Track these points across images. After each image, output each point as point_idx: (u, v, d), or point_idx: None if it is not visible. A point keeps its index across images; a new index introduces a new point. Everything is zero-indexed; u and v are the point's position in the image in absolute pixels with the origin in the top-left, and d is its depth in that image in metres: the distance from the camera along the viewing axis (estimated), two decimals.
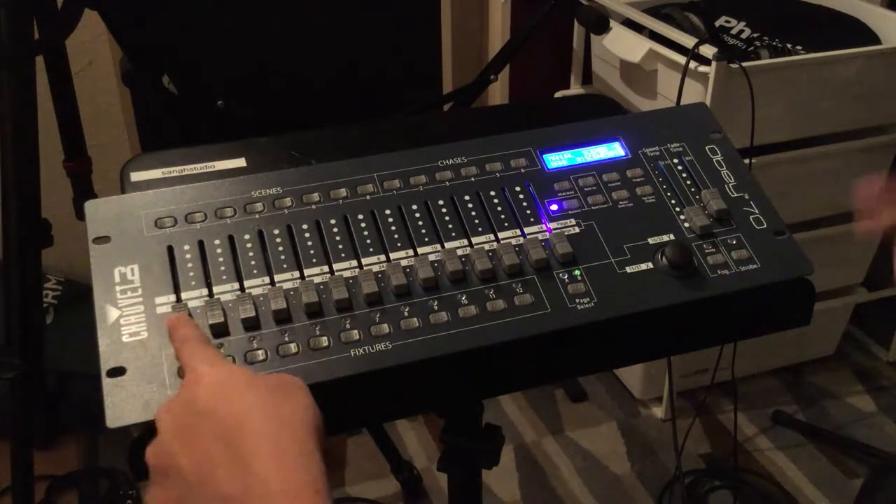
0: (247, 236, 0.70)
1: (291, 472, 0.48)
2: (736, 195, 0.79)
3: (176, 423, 0.52)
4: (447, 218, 0.74)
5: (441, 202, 0.75)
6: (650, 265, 0.73)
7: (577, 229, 0.75)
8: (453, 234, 0.73)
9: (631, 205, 0.77)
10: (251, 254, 0.69)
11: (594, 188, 0.78)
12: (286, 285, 0.68)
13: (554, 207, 0.76)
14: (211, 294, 0.67)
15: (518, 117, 0.95)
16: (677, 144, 0.82)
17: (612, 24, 1.76)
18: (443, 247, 0.72)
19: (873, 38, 1.74)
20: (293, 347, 0.65)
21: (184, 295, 0.66)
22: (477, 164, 0.78)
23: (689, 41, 1.56)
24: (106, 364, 0.62)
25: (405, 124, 1.00)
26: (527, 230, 0.74)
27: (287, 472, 0.48)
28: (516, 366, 0.73)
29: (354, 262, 0.70)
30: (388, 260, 0.71)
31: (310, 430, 0.51)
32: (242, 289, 0.67)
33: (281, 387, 0.54)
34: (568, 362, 0.76)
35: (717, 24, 1.78)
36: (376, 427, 1.71)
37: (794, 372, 2.12)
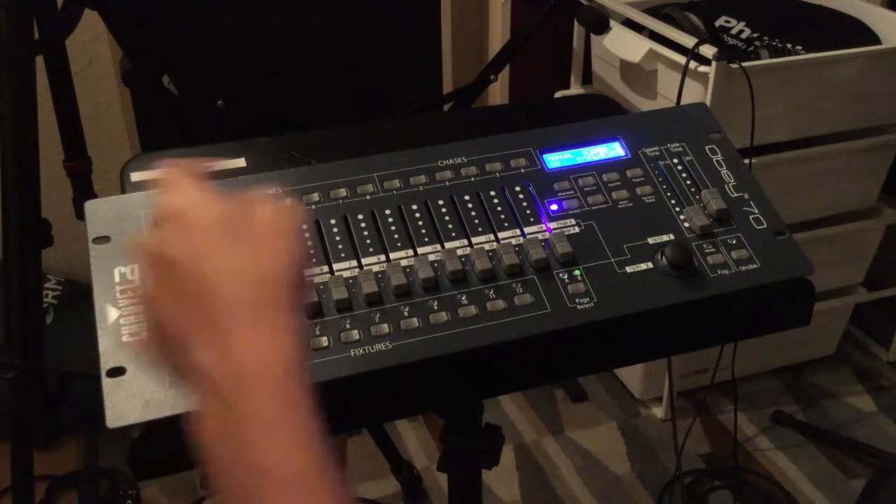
0: None
1: (265, 350, 0.47)
2: (736, 195, 0.79)
3: (153, 266, 0.49)
4: (447, 218, 0.74)
5: (441, 202, 0.75)
6: (650, 265, 0.73)
7: (577, 229, 0.75)
8: (453, 234, 0.73)
9: (631, 205, 0.77)
10: None
11: (594, 188, 0.78)
12: None
13: (554, 207, 0.76)
14: None
15: (518, 117, 0.95)
16: (677, 144, 0.82)
17: (612, 24, 1.76)
18: (443, 247, 0.72)
19: (873, 38, 1.74)
20: None
21: None
22: (477, 164, 0.78)
23: (689, 41, 1.56)
24: (106, 364, 0.62)
25: (405, 124, 1.00)
26: (527, 230, 0.74)
27: (260, 348, 0.47)
28: (516, 366, 0.73)
29: (354, 262, 0.70)
30: (388, 260, 0.71)
31: (288, 291, 0.49)
32: None
33: (264, 237, 0.51)
34: (568, 362, 0.76)
35: (717, 24, 1.78)
36: (376, 427, 1.71)
37: (794, 372, 2.12)
